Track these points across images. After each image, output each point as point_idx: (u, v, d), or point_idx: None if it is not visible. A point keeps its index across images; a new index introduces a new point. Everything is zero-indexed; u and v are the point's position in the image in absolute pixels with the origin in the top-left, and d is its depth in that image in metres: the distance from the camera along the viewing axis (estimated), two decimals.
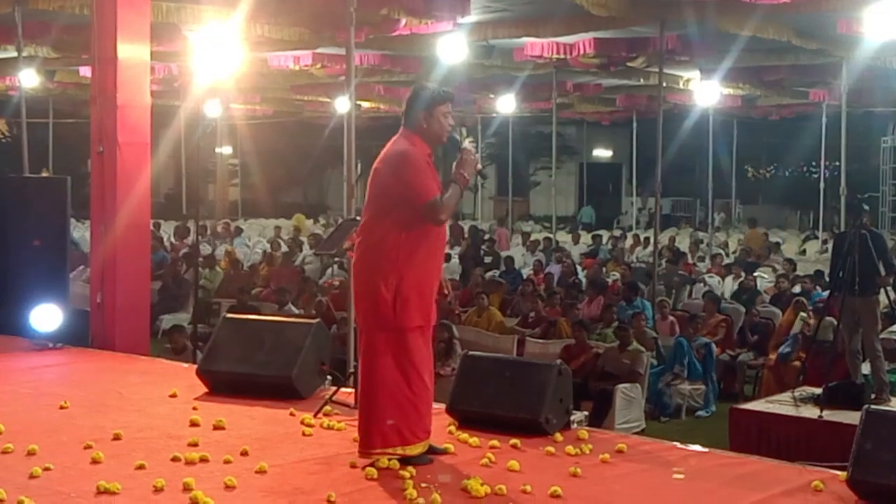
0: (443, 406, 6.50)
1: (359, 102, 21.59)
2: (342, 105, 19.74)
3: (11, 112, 24.41)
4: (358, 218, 7.07)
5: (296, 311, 13.26)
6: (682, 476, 5.16)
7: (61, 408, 6.48)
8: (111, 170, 8.58)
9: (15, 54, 14.69)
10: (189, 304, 15.24)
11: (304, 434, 5.96)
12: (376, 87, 20.68)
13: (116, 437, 5.78)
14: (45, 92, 21.07)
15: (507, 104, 22.41)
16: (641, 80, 18.66)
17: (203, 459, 5.36)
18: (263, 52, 15.67)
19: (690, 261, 18.92)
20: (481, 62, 16.62)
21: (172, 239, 21.59)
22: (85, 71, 18.13)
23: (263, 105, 25.55)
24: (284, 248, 19.93)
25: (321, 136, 28.17)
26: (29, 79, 15.12)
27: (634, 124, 26.20)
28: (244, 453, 5.49)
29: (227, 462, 5.35)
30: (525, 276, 16.25)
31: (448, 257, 19.46)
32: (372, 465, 5.19)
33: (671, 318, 12.51)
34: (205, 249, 18.80)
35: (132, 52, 8.54)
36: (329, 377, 7.18)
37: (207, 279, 15.81)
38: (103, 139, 8.60)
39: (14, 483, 4.89)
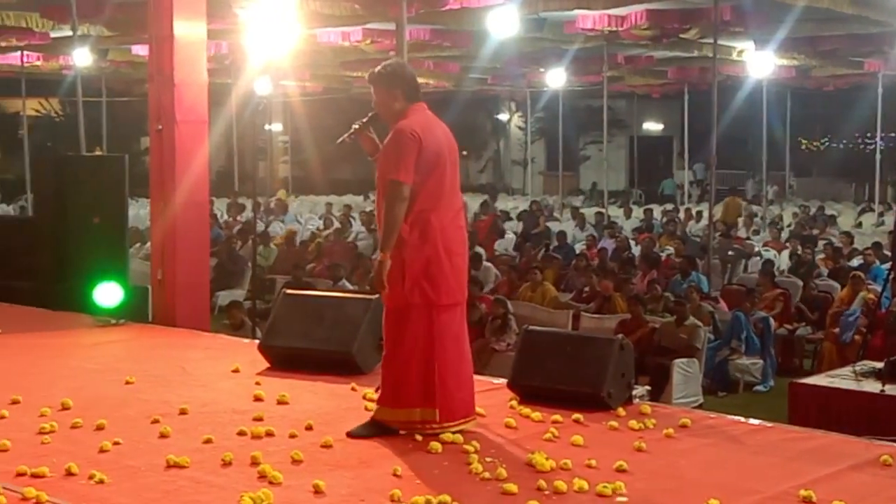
0: (502, 381, 6.52)
1: None
2: None
3: (66, 91, 24.70)
4: None
5: (350, 286, 13.31)
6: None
7: (127, 383, 6.57)
8: (170, 148, 8.64)
9: (70, 33, 14.87)
10: (244, 280, 15.39)
11: (366, 409, 5.97)
12: (426, 63, 20.65)
13: (182, 412, 5.85)
14: (97, 71, 21.26)
15: (556, 78, 22.27)
16: (694, 52, 18.45)
17: (269, 434, 5.41)
18: (315, 28, 15.68)
19: (744, 234, 18.75)
20: (532, 35, 16.52)
21: (226, 216, 21.75)
22: (137, 49, 18.30)
23: (313, 82, 25.61)
24: (337, 225, 20.01)
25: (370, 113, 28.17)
26: (83, 58, 15.27)
27: (686, 97, 25.92)
28: (308, 427, 5.54)
29: (292, 436, 5.40)
30: (578, 251, 16.19)
31: (502, 232, 19.47)
32: (436, 438, 5.21)
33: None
34: (258, 226, 18.89)
35: (188, 29, 8.58)
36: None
37: (262, 256, 15.91)
38: (161, 117, 8.66)
39: (85, 457, 4.97)
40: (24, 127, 23.34)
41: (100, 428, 5.47)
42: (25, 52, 19.25)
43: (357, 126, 5.54)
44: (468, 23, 15.30)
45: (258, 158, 33.23)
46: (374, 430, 5.38)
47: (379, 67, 5.49)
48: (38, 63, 20.60)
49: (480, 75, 24.83)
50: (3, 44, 17.94)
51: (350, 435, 5.36)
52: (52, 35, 16.70)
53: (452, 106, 30.16)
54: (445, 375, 5.32)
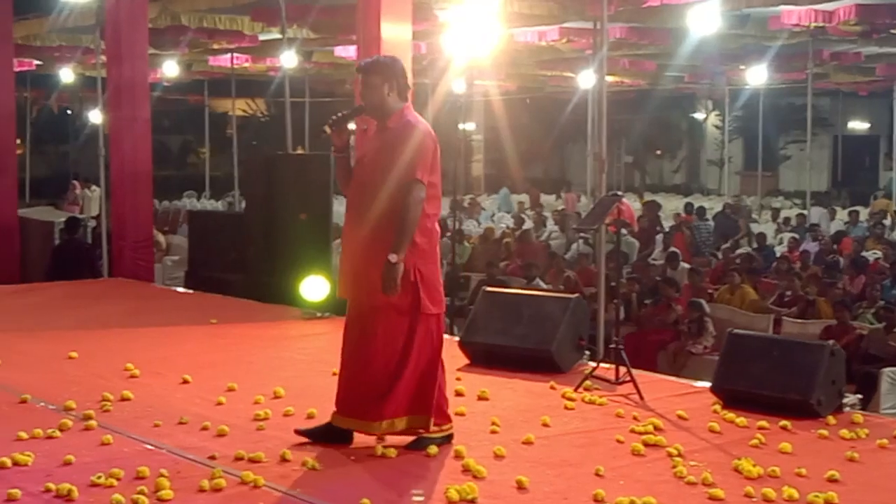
0: (702, 384, 6.42)
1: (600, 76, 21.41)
2: (585, 80, 19.62)
3: (272, 92, 25.69)
4: (619, 193, 7.08)
5: (543, 285, 13.32)
6: None
7: (334, 374, 6.75)
8: None
9: (278, 36, 15.46)
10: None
11: (566, 407, 6.01)
12: (621, 61, 20.45)
13: None
14: (301, 72, 21.99)
15: (757, 75, 21.65)
16: None
17: (469, 429, 5.49)
18: (513, 27, 15.77)
19: None
20: (734, 32, 16.13)
21: None
22: (340, 51, 18.84)
23: (507, 81, 25.75)
24: (529, 223, 20.05)
25: (563, 112, 28.12)
26: (290, 60, 15.83)
27: (895, 94, 24.75)
28: (509, 424, 5.59)
29: (493, 432, 5.47)
30: (778, 254, 15.71)
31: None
32: (640, 440, 5.18)
33: None
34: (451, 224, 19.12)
35: (395, 31, 8.79)
36: (587, 352, 7.20)
37: (456, 253, 16.11)
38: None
39: (297, 444, 5.16)
40: (233, 126, 24.35)
41: (310, 416, 5.68)
42: (235, 55, 20.13)
43: (340, 116, 5.21)
44: (668, 20, 15.07)
45: (451, 157, 33.78)
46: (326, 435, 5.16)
47: (372, 59, 5.30)
48: (247, 65, 21.48)
49: (677, 73, 24.40)
50: (215, 46, 18.79)
51: (299, 432, 5.21)
52: (261, 38, 17.39)
53: (647, 104, 29.82)
54: (441, 384, 5.22)
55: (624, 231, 14.46)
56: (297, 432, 5.26)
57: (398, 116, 5.10)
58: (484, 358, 7.09)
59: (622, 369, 6.40)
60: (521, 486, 4.60)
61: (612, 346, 6.50)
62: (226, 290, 10.32)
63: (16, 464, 4.76)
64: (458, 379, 6.65)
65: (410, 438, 5.13)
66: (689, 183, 35.89)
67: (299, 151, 19.63)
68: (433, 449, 5.05)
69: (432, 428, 5.11)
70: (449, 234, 13.90)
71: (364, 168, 5.10)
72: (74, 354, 7.22)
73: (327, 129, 5.14)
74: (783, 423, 5.57)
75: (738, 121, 31.66)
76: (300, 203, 9.82)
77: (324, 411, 5.74)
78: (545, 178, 33.79)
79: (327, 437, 5.17)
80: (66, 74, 22.64)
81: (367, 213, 5.02)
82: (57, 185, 29.34)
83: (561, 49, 18.02)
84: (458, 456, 4.98)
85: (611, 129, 9.18)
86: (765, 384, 5.87)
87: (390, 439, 5.16)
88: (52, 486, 4.44)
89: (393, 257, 4.85)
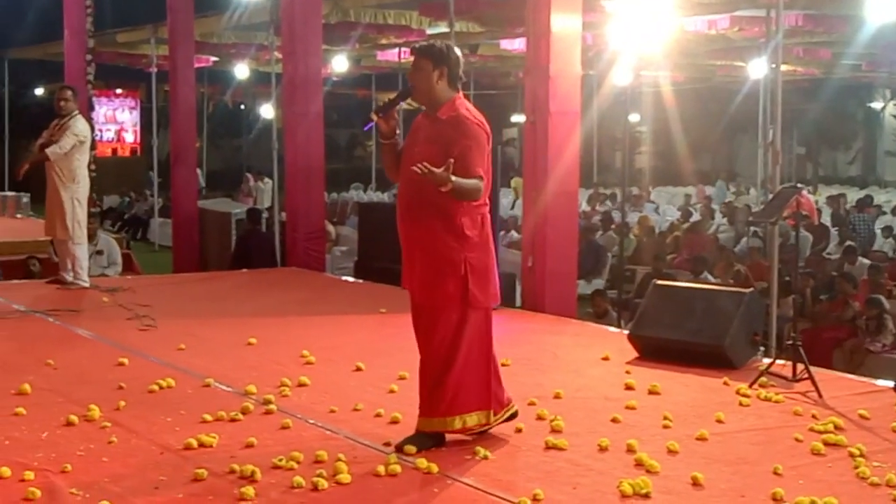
0: (884, 383, 6.21)
1: (774, 65, 20.81)
2: (756, 69, 19.10)
3: None
4: (799, 185, 6.88)
5: (712, 279, 13.07)
6: None
7: (502, 365, 6.77)
8: (542, 139, 8.86)
9: (445, 30, 15.60)
10: (603, 270, 15.52)
11: (740, 404, 5.89)
12: (794, 49, 19.83)
13: (556, 396, 6.02)
14: (467, 65, 22.11)
15: None
16: None
17: (640, 423, 5.45)
18: (683, 16, 15.50)
19: None
20: None
21: (585, 206, 21.99)
22: (506, 44, 18.89)
23: (675, 71, 25.32)
24: (696, 216, 19.70)
25: (731, 102, 27.48)
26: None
27: None
28: (682, 419, 5.52)
29: (665, 427, 5.41)
30: None
31: None
32: (819, 439, 5.04)
33: None
34: (616, 216, 18.98)
35: (564, 23, 8.76)
36: (762, 348, 7.03)
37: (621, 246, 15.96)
38: (535, 109, 8.91)
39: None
40: (399, 120, 24.66)
41: None
42: (403, 49, 20.40)
43: (387, 101, 5.07)
44: (844, 7, 14.56)
45: (615, 149, 33.42)
46: (425, 442, 4.97)
47: (428, 43, 5.10)
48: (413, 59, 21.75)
49: (853, 62, 23.50)
50: (384, 41, 19.11)
51: (398, 449, 4.92)
52: (428, 32, 17.58)
53: (820, 94, 28.84)
54: (498, 375, 5.14)
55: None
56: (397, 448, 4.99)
57: (449, 107, 4.94)
58: (654, 352, 7.01)
59: (799, 366, 6.23)
60: (696, 483, 4.53)
61: (790, 342, 6.32)
62: (394, 281, 10.45)
63: (201, 445, 4.97)
64: (627, 372, 6.61)
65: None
66: (866, 175, 34.56)
67: None
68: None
69: (492, 419, 5.07)
70: (615, 226, 13.79)
71: (415, 159, 4.85)
72: (253, 341, 7.49)
73: (374, 116, 5.03)
74: None
75: None
76: None
77: None
78: (712, 170, 33.08)
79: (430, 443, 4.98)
80: (242, 70, 23.43)
81: (417, 208, 4.92)
82: (231, 177, 30.49)
83: (732, 38, 17.60)
84: (631, 450, 4.94)
85: (783, 119, 8.94)
86: None
87: (569, 428, 5.17)
88: (236, 467, 4.62)
89: (449, 183, 4.66)
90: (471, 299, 4.91)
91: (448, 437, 5.03)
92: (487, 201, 5.03)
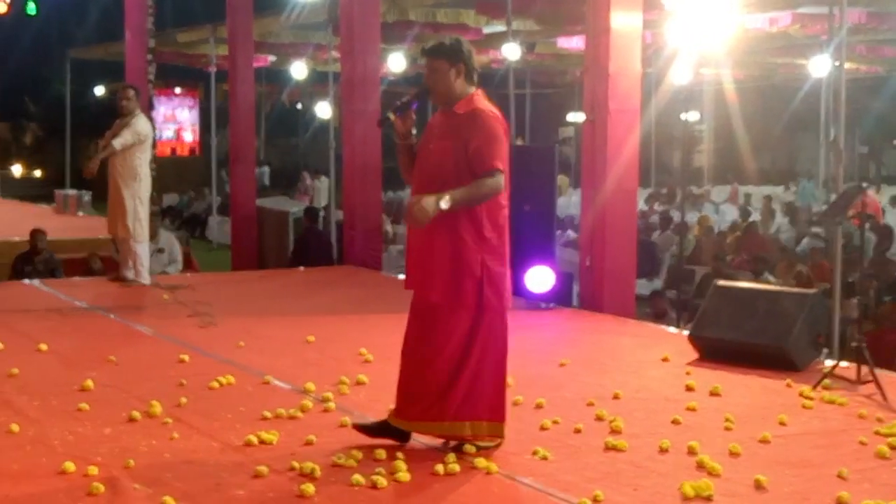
0: None
1: (837, 63, 20.50)
2: (817, 67, 18.83)
3: (494, 84, 25.88)
4: (864, 185, 6.77)
5: (772, 280, 12.90)
6: None
7: (561, 365, 6.80)
8: (601, 137, 8.80)
9: (501, 29, 15.58)
10: (660, 270, 15.39)
11: (803, 406, 5.80)
12: (857, 47, 19.53)
13: (615, 397, 5.97)
14: (523, 64, 22.08)
15: None
16: None
17: (702, 425, 5.38)
18: (744, 13, 15.32)
19: None
20: None
21: (643, 205, 21.83)
22: (563, 42, 18.79)
23: (735, 69, 25.04)
24: (755, 216, 19.46)
25: (792, 100, 27.12)
26: (514, 52, 15.91)
27: None
28: (744, 422, 5.45)
29: (727, 429, 5.34)
30: None
31: None
32: (885, 442, 4.94)
33: None
34: (675, 216, 18.82)
35: (624, 21, 8.69)
36: (826, 350, 6.92)
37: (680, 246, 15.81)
38: (594, 107, 8.85)
39: (527, 433, 5.21)
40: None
41: (538, 406, 5.72)
42: None
43: (404, 101, 4.97)
44: None
45: (673, 148, 33.11)
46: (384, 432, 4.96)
47: (438, 42, 4.96)
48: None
49: None
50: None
51: (357, 426, 5.03)
52: (485, 31, 17.55)
53: (884, 92, 28.33)
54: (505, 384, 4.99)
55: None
56: (355, 427, 5.10)
57: (466, 102, 4.86)
58: (714, 352, 6.93)
59: (864, 369, 6.13)
60: (759, 486, 4.47)
61: (854, 344, 6.22)
62: None
63: (262, 442, 5.00)
64: (687, 373, 6.55)
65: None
66: None
67: (519, 143, 19.76)
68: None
69: (503, 432, 4.92)
70: (674, 226, 13.66)
71: (430, 155, 4.85)
72: (311, 338, 7.52)
73: (391, 116, 4.95)
74: None
75: None
76: (524, 194, 9.84)
77: (552, 402, 5.80)
78: (772, 169, 32.69)
79: (385, 434, 4.98)
80: (299, 70, 23.55)
81: None
82: (288, 175, 30.69)
83: (793, 35, 17.35)
84: (692, 452, 4.89)
85: (845, 117, 8.80)
86: None
87: (629, 429, 5.13)
88: (296, 464, 4.64)
89: (442, 203, 4.58)
90: (485, 302, 4.81)
91: (501, 440, 4.95)
92: (507, 202, 4.96)
